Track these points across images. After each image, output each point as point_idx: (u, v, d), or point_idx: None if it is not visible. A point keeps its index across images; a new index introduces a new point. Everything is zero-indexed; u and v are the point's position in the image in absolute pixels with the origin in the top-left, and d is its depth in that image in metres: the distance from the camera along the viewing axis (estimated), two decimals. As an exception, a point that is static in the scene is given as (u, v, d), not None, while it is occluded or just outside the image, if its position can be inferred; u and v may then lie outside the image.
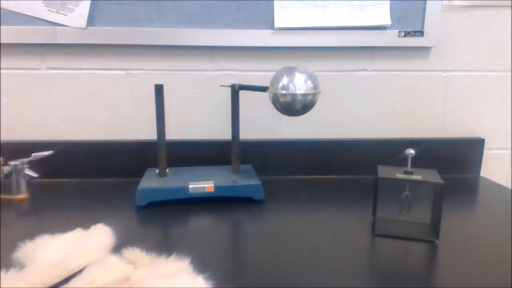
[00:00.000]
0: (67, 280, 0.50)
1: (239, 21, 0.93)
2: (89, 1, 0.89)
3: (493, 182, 0.99)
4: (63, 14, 0.89)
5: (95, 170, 0.96)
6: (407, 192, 0.68)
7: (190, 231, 0.69)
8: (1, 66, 0.93)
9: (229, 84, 0.85)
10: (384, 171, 0.68)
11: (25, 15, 0.89)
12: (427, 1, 0.94)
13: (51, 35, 0.90)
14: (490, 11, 0.98)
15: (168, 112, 0.85)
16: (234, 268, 0.58)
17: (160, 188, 0.80)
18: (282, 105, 0.74)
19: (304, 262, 0.59)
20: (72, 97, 0.96)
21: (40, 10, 0.89)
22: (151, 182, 0.82)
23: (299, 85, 0.72)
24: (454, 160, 1.01)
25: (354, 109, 1.01)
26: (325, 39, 0.94)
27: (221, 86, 0.87)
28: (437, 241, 0.65)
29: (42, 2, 0.89)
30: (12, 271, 0.51)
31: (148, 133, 0.97)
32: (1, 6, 0.88)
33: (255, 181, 0.82)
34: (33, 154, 0.84)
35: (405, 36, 0.95)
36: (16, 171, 0.83)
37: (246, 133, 0.97)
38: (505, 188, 0.94)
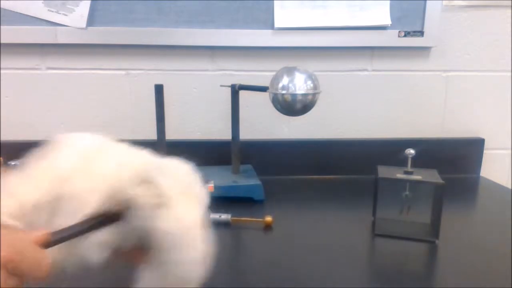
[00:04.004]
0: None
1: (239, 21, 0.93)
2: (89, 1, 0.89)
3: (493, 182, 0.98)
4: (63, 14, 0.89)
5: (95, 170, 0.96)
6: (407, 192, 0.68)
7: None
8: (1, 66, 0.93)
9: (229, 84, 0.84)
10: (384, 171, 0.68)
11: (25, 15, 0.89)
12: (427, 1, 0.94)
13: (51, 35, 0.90)
14: (490, 11, 0.98)
15: (168, 112, 0.85)
16: (234, 268, 0.58)
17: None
18: (282, 105, 0.74)
19: (304, 262, 0.59)
20: (72, 97, 0.96)
21: (40, 10, 0.89)
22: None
23: (299, 85, 0.72)
24: (454, 160, 1.01)
25: (354, 109, 1.01)
26: (325, 39, 0.94)
27: (221, 86, 0.87)
28: (437, 241, 0.64)
29: (42, 2, 0.89)
30: None
31: (148, 133, 0.97)
32: (1, 6, 0.88)
33: (255, 181, 0.82)
34: (33, 154, 0.84)
35: (405, 36, 0.95)
36: (16, 171, 0.83)
37: (246, 133, 0.97)
38: (505, 188, 0.94)
